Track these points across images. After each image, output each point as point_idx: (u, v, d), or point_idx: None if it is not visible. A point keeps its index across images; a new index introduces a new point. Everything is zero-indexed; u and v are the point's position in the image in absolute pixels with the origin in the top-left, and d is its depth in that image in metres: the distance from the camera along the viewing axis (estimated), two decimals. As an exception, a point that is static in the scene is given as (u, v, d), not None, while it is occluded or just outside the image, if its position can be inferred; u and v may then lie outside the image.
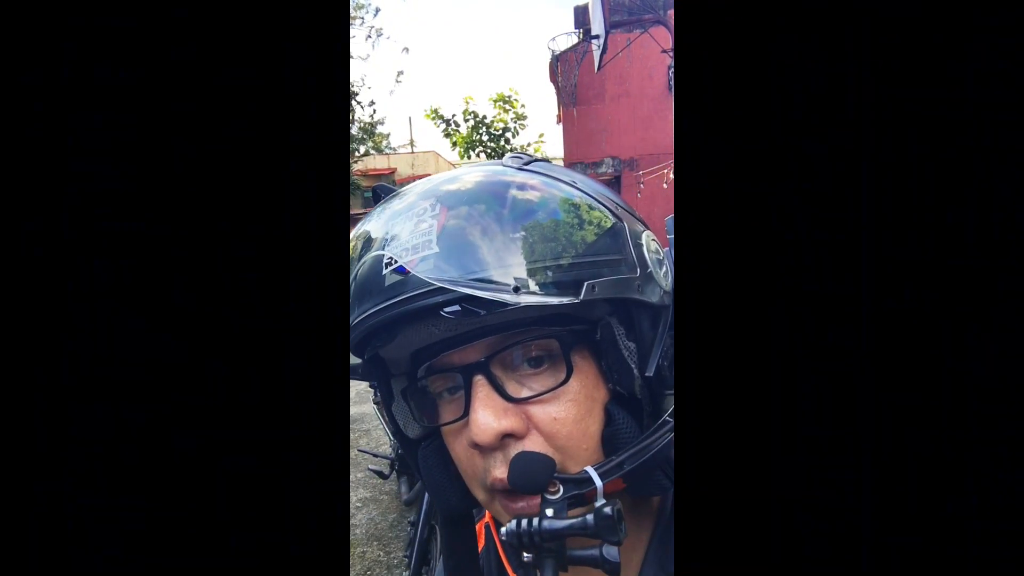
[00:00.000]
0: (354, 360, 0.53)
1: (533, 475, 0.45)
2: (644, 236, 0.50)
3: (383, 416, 3.62)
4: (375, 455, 3.48)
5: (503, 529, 0.43)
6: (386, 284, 0.46)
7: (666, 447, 0.46)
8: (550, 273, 0.44)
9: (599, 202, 0.49)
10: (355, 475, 4.04)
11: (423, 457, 0.57)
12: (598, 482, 0.44)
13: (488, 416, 0.46)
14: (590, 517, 0.42)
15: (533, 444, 0.47)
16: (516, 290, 0.43)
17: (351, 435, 4.85)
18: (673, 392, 0.47)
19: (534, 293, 0.43)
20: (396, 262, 0.46)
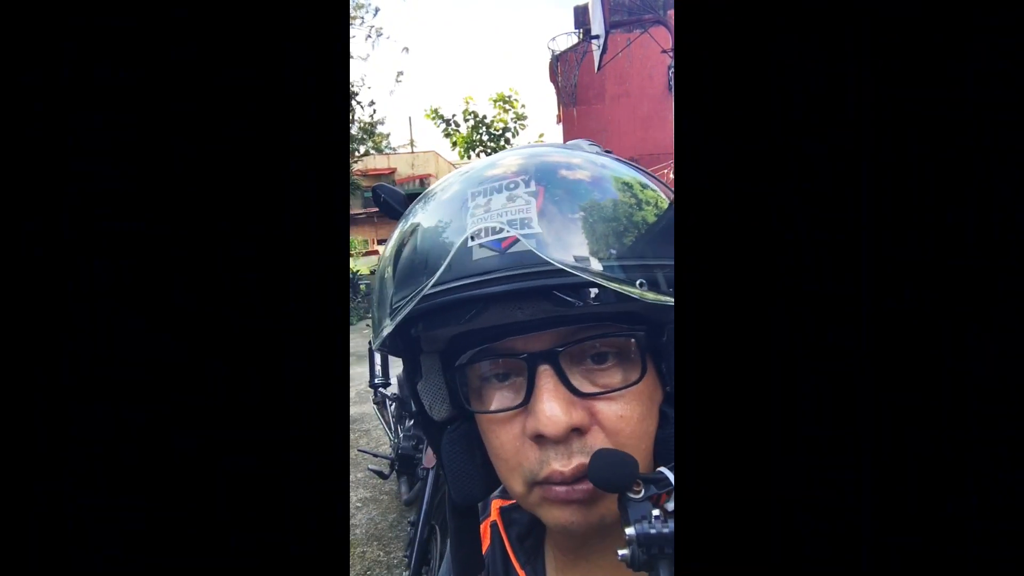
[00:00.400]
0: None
1: (618, 473, 0.43)
2: None
3: (383, 415, 3.62)
4: (375, 455, 3.48)
5: (631, 530, 0.40)
6: (474, 259, 0.43)
7: None
8: (662, 270, 0.42)
9: (656, 203, 0.46)
10: (355, 475, 4.05)
11: (448, 441, 0.55)
12: (673, 480, 0.42)
13: (557, 408, 0.45)
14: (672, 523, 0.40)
15: (595, 440, 0.46)
16: (642, 285, 0.41)
17: (351, 435, 4.85)
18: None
19: (660, 291, 0.42)
20: (485, 236, 0.43)
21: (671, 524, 0.39)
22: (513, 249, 0.42)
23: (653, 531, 0.39)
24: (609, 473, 0.43)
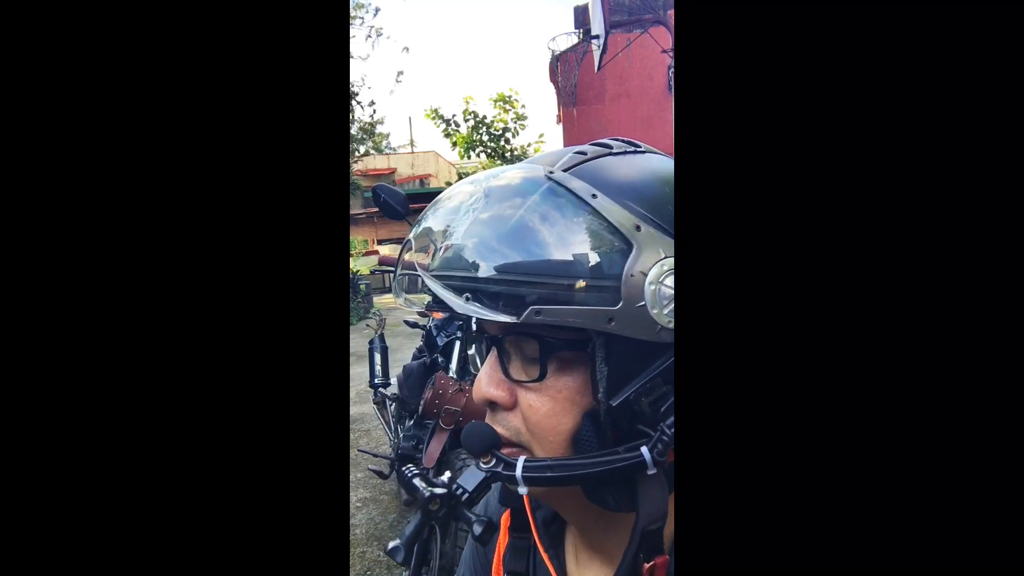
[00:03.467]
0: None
1: (476, 440, 0.54)
2: (658, 267, 0.48)
3: (383, 415, 3.62)
4: (375, 455, 3.48)
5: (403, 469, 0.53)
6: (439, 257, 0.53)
7: (608, 473, 0.50)
8: (503, 287, 0.48)
9: (615, 226, 0.49)
10: (355, 475, 4.04)
11: None
12: (519, 471, 0.51)
13: (484, 380, 0.55)
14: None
15: (514, 418, 0.54)
16: (467, 299, 0.49)
17: (351, 435, 4.85)
18: (642, 427, 0.50)
19: (481, 304, 0.49)
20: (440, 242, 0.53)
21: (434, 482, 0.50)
22: (442, 255, 0.52)
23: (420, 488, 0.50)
24: (471, 438, 0.54)
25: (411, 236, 0.58)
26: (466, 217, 0.52)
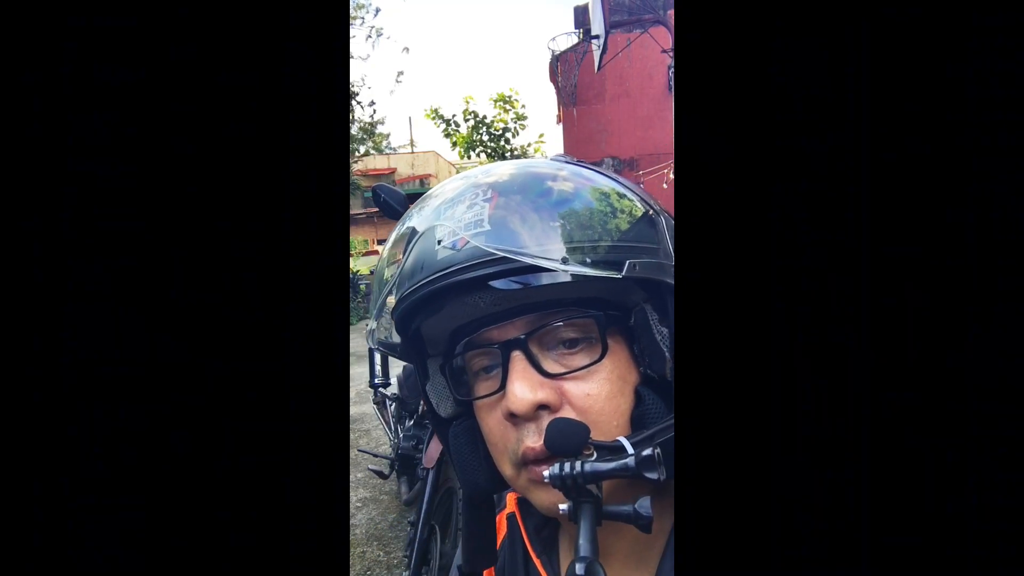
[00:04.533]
0: (395, 339, 0.58)
1: (569, 438, 0.46)
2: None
3: (383, 415, 3.62)
4: (375, 455, 3.48)
5: (547, 472, 0.44)
6: (438, 258, 0.49)
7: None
8: (595, 251, 0.47)
9: (631, 192, 0.52)
10: (355, 475, 4.04)
11: (454, 435, 0.60)
12: (630, 449, 0.45)
13: (524, 387, 0.49)
14: (631, 460, 0.43)
15: (565, 416, 0.49)
16: (564, 260, 0.46)
17: (351, 435, 4.85)
18: None
19: (582, 263, 0.46)
20: (448, 239, 0.49)
21: (589, 465, 0.43)
22: (467, 247, 0.48)
23: (564, 471, 0.43)
24: (560, 438, 0.47)
25: (393, 236, 0.56)
26: (472, 210, 0.50)
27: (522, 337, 0.51)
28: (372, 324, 0.57)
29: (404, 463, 2.72)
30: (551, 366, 0.50)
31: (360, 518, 3.52)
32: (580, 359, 0.50)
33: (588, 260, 0.46)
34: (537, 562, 0.62)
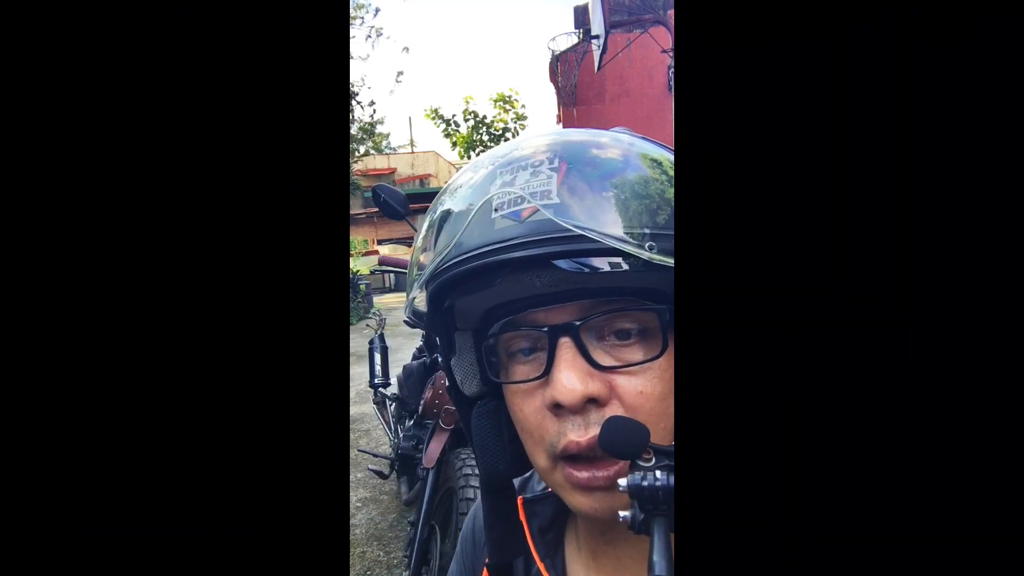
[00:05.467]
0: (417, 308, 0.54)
1: (629, 439, 0.43)
2: None
3: (383, 415, 3.62)
4: (375, 455, 3.47)
5: (624, 481, 0.40)
6: (496, 227, 0.44)
7: None
8: (670, 240, 0.42)
9: None
10: (355, 475, 4.04)
11: (477, 416, 0.56)
12: None
13: (574, 377, 0.45)
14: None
15: (610, 412, 0.46)
16: (651, 248, 0.42)
17: (351, 435, 4.85)
18: None
19: (668, 253, 0.41)
20: (508, 208, 0.44)
21: (669, 478, 0.39)
22: (532, 218, 0.43)
23: (646, 483, 0.39)
24: (618, 439, 0.43)
25: (426, 224, 0.52)
26: (538, 177, 0.45)
27: (576, 323, 0.46)
28: (416, 293, 0.52)
29: (404, 463, 2.72)
30: (602, 357, 0.46)
31: (360, 518, 3.52)
32: (634, 353, 0.46)
33: (668, 248, 0.42)
34: (540, 565, 0.60)
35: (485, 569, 0.63)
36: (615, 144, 0.49)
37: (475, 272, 0.46)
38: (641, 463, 0.42)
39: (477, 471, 1.97)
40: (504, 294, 0.49)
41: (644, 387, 0.46)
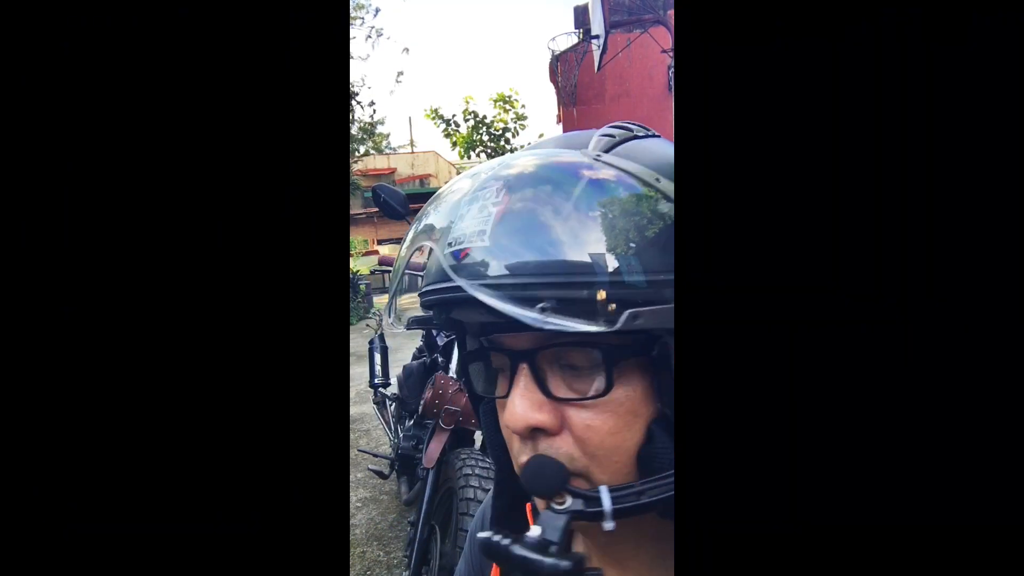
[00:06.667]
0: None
1: (545, 480, 0.45)
2: None
3: (383, 415, 3.63)
4: (375, 455, 3.47)
5: (481, 535, 0.45)
6: (440, 266, 0.46)
7: None
8: (586, 292, 0.41)
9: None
10: (355, 475, 4.04)
11: (484, 412, 0.59)
12: (607, 506, 0.43)
13: (523, 405, 0.46)
14: (549, 562, 0.42)
15: (564, 443, 0.46)
16: (543, 310, 0.41)
17: (351, 435, 4.85)
18: None
19: (562, 315, 0.41)
20: (453, 246, 0.45)
21: (522, 551, 0.43)
22: (468, 260, 0.44)
23: (495, 540, 0.43)
24: (538, 479, 0.45)
25: (411, 234, 0.52)
26: (483, 212, 0.45)
27: (531, 350, 0.47)
28: (389, 318, 0.57)
29: (404, 463, 2.72)
30: (557, 387, 0.46)
31: (360, 518, 3.52)
32: (588, 384, 0.46)
33: (576, 308, 0.41)
34: None
35: (494, 566, 0.63)
36: (562, 174, 0.47)
37: (435, 304, 0.49)
38: (555, 506, 0.45)
39: (477, 471, 1.98)
40: (465, 320, 0.52)
41: (593, 421, 0.45)
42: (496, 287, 0.42)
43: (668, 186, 0.43)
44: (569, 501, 0.45)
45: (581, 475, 0.46)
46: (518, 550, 0.43)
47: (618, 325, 0.40)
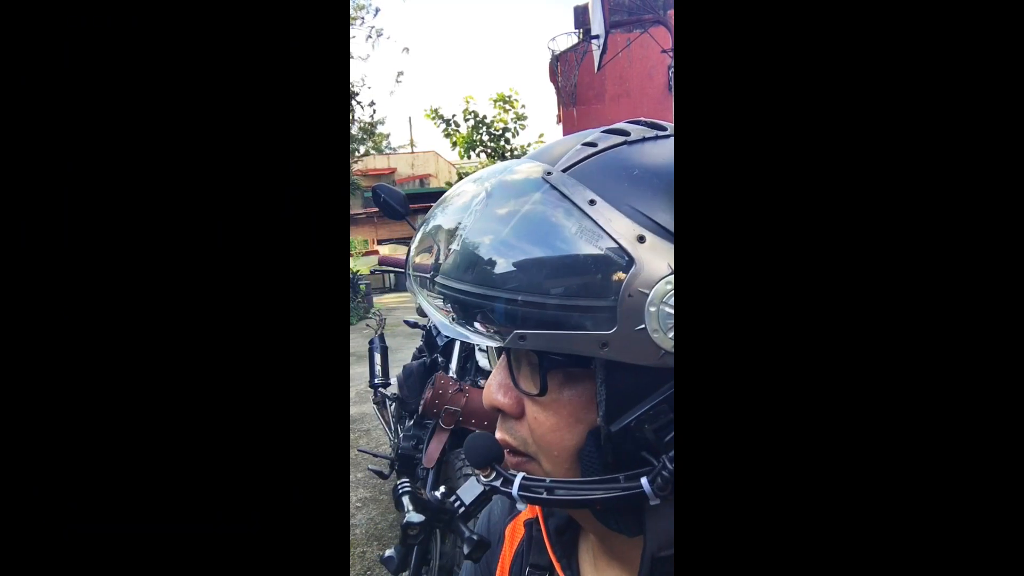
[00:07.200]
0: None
1: (478, 453, 0.53)
2: (662, 285, 0.44)
3: (383, 415, 3.62)
4: (375, 455, 3.48)
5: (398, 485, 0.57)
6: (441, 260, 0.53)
7: (606, 501, 0.47)
8: (490, 304, 0.46)
9: (614, 237, 0.44)
10: (355, 475, 4.04)
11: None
12: (514, 491, 0.50)
13: (493, 385, 0.53)
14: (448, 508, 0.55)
15: (522, 428, 0.52)
16: (453, 320, 0.49)
17: (351, 435, 4.85)
18: (646, 454, 0.47)
19: (472, 326, 0.48)
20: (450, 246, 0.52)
21: (410, 515, 0.53)
22: (448, 260, 0.51)
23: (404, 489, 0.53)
24: (471, 450, 0.53)
25: (418, 236, 0.57)
26: (470, 218, 0.50)
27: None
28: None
29: (404, 463, 2.72)
30: (523, 380, 0.51)
31: (360, 518, 3.52)
32: (533, 382, 0.50)
33: (503, 311, 0.45)
34: (557, 566, 0.61)
35: (500, 563, 0.65)
36: (508, 192, 0.51)
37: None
38: (481, 477, 0.52)
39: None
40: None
41: (539, 415, 0.50)
42: (446, 288, 0.49)
43: (601, 209, 0.45)
44: (492, 476, 0.52)
45: (532, 458, 0.52)
46: (406, 501, 0.54)
47: (504, 343, 0.46)
